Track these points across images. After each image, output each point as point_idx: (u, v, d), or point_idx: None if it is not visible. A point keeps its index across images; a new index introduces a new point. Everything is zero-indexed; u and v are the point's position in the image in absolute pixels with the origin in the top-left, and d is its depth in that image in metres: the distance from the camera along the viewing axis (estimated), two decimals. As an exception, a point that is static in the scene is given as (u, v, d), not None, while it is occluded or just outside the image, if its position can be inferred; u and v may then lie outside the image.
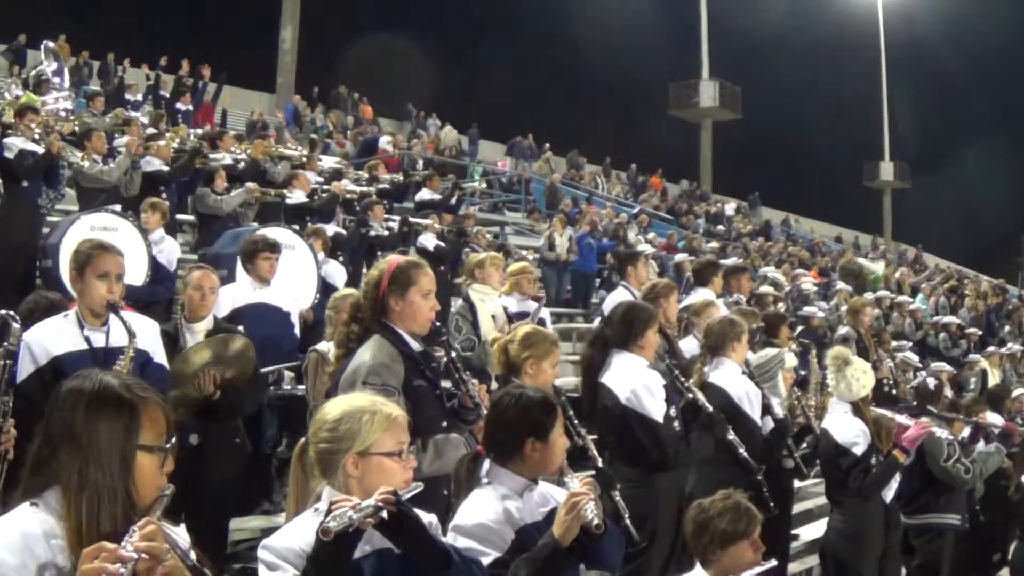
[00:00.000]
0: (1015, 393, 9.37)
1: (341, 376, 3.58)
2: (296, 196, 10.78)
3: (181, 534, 2.24)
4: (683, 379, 5.20)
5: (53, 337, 4.08)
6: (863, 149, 42.19)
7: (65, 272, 4.97)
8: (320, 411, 2.66)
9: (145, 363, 4.21)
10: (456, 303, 7.69)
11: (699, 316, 6.62)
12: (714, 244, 20.50)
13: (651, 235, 19.42)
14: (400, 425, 2.60)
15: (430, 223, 11.68)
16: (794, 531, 7.15)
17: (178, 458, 2.21)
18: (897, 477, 5.57)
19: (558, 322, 12.85)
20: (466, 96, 31.96)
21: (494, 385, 4.40)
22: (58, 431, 2.07)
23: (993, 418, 7.34)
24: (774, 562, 3.61)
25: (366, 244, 11.09)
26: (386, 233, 11.22)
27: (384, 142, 20.87)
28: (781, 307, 10.69)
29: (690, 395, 5.15)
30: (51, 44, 13.42)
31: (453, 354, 3.80)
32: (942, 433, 6.09)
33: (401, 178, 14.74)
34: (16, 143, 8.34)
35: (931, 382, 7.50)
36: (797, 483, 6.60)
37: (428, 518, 2.59)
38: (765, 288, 11.09)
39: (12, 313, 3.88)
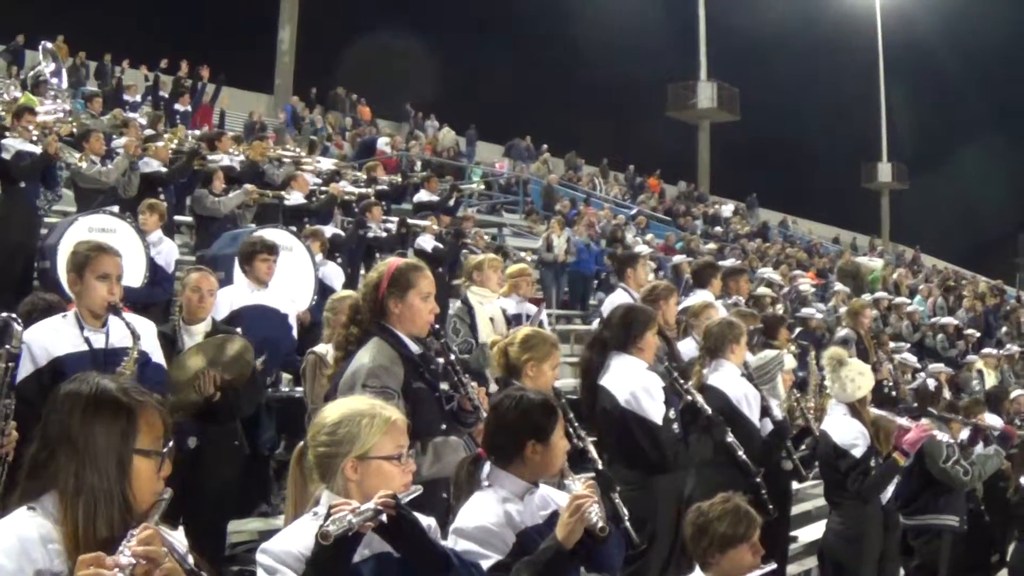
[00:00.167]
0: (1013, 395, 9.38)
1: (340, 378, 3.58)
2: (294, 197, 10.76)
3: (179, 538, 2.24)
4: (682, 381, 5.19)
5: (53, 338, 4.06)
6: (861, 150, 42.32)
7: (63, 273, 4.95)
8: (319, 414, 2.65)
9: (144, 364, 4.20)
10: (454, 305, 7.68)
11: (698, 318, 6.61)
12: (712, 245, 20.50)
13: (649, 236, 19.41)
14: (399, 429, 2.59)
15: (428, 224, 11.67)
16: (793, 533, 7.15)
17: (176, 460, 2.20)
18: (895, 478, 5.57)
19: (556, 323, 12.86)
20: (464, 97, 31.96)
21: (491, 387, 4.40)
22: (55, 434, 2.06)
23: (992, 420, 7.34)
24: (774, 565, 3.61)
25: (364, 245, 11.08)
26: (384, 235, 11.22)
27: (382, 143, 20.87)
28: (779, 308, 10.69)
29: (689, 397, 5.14)
30: (49, 45, 13.42)
31: (453, 357, 3.79)
32: (942, 436, 6.09)
33: (399, 179, 14.74)
34: (14, 144, 8.33)
35: (931, 383, 7.51)
36: (795, 485, 6.60)
37: (427, 521, 2.58)
38: (762, 289, 11.10)
39: (14, 316, 3.86)
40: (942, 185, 37.92)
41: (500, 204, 22.77)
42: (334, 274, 9.12)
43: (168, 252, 8.20)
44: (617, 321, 5.21)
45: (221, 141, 11.65)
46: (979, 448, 6.81)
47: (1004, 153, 37.28)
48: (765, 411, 5.65)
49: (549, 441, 3.02)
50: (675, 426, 4.99)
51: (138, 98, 17.54)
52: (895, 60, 40.57)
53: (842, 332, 10.60)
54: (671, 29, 37.28)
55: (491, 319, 7.03)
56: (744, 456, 5.21)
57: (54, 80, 12.26)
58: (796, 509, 7.42)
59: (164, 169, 10.02)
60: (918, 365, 12.05)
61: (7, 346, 3.74)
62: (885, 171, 42.24)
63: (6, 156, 8.23)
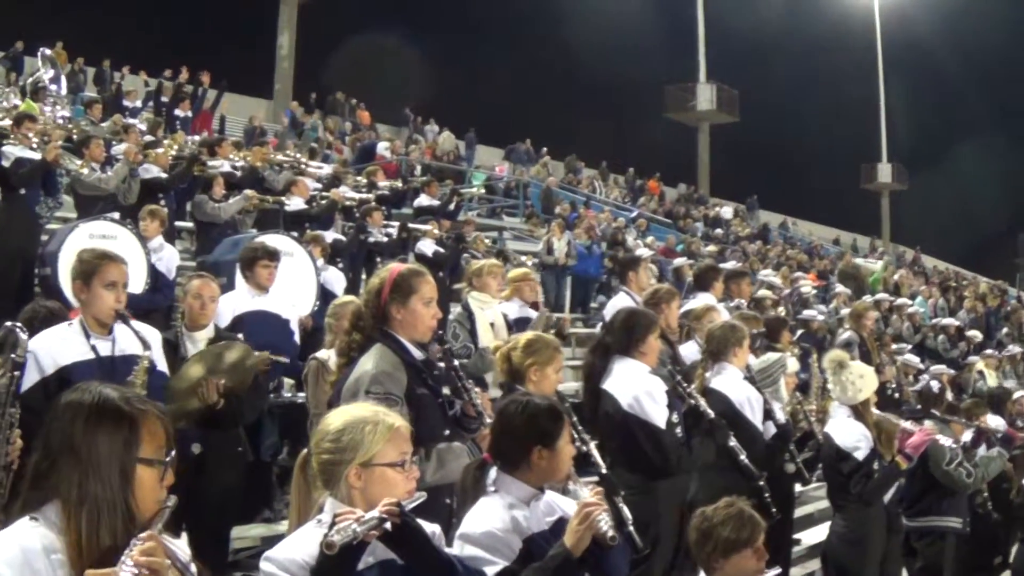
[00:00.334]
0: (1015, 396, 9.36)
1: (343, 385, 3.56)
2: (295, 203, 10.77)
3: (181, 546, 2.22)
4: (685, 385, 5.18)
5: (60, 346, 4.04)
6: (861, 151, 42.29)
7: (64, 280, 4.95)
8: (322, 422, 2.65)
9: (150, 371, 4.19)
10: (455, 310, 7.68)
11: (700, 321, 6.60)
12: (712, 248, 20.51)
13: (649, 239, 19.41)
14: (403, 435, 2.59)
15: (429, 229, 11.69)
16: (795, 536, 7.14)
17: (180, 467, 2.19)
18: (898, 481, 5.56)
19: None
20: (463, 101, 31.94)
21: (491, 392, 4.39)
22: (57, 444, 2.05)
23: (994, 421, 7.32)
24: (778, 569, 3.60)
25: (365, 250, 11.10)
26: (385, 239, 11.23)
27: (382, 148, 20.89)
28: (781, 311, 10.68)
29: (692, 401, 5.12)
30: (48, 51, 13.40)
31: (456, 363, 3.78)
32: (945, 440, 6.08)
33: (400, 184, 14.76)
34: (14, 151, 8.33)
35: (935, 385, 7.50)
36: (798, 488, 6.59)
37: (431, 528, 2.58)
38: (763, 292, 11.09)
39: (19, 324, 3.82)
40: (942, 186, 37.92)
41: (500, 208, 22.78)
42: (335, 279, 9.12)
43: (169, 258, 8.20)
44: (619, 325, 5.20)
45: (221, 147, 11.68)
46: (982, 450, 6.80)
47: (1004, 153, 37.28)
48: (768, 414, 5.64)
49: (555, 447, 3.01)
50: (678, 430, 4.98)
51: (138, 104, 17.54)
52: (894, 60, 40.62)
53: (845, 335, 10.58)
54: (670, 31, 37.32)
55: (491, 324, 7.02)
56: (747, 460, 5.20)
57: (53, 87, 12.27)
58: (799, 512, 7.41)
59: (164, 175, 10.02)
60: (921, 367, 12.04)
61: (12, 355, 3.69)
62: (885, 172, 42.23)
63: (6, 163, 8.23)
